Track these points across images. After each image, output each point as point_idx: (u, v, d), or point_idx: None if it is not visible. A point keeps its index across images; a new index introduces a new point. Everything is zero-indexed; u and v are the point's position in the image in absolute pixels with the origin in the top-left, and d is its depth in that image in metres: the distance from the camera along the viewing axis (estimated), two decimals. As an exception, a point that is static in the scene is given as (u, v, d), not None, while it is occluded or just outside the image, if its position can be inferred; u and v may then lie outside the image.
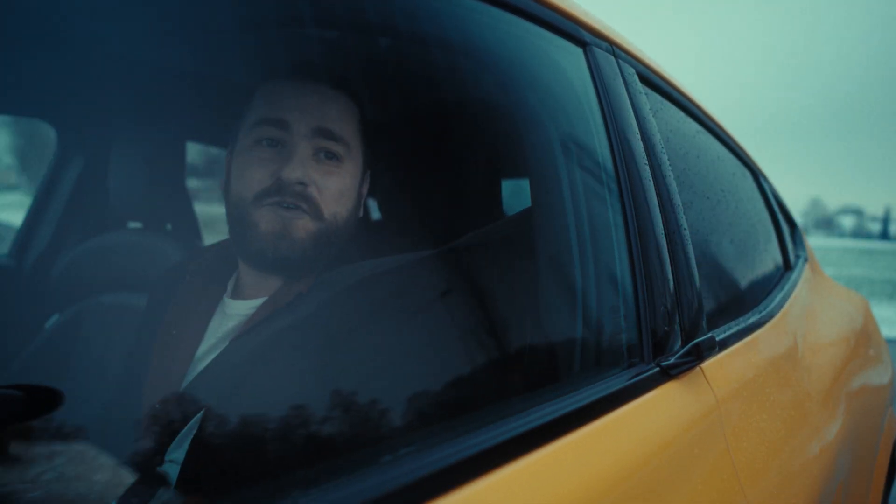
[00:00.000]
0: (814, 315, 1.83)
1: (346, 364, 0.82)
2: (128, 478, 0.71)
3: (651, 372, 0.91)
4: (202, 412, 0.81)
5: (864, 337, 2.09)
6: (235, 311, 0.94)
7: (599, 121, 1.00)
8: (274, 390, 0.81)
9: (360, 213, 0.99)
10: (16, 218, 1.74)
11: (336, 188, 0.93)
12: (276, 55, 1.00)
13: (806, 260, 2.20)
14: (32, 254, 1.66)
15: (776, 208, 2.17)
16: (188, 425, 0.81)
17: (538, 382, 0.88)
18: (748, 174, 1.96)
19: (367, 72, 1.06)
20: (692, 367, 0.98)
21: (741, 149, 1.89)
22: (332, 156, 0.93)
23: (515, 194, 1.22)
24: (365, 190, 0.99)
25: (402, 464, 0.58)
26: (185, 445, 0.78)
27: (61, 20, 0.83)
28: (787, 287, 1.79)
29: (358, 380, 0.80)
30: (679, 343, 0.99)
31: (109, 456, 0.76)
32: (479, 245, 1.00)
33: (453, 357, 0.87)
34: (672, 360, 0.94)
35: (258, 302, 0.92)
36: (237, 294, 0.96)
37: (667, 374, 0.92)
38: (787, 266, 2.02)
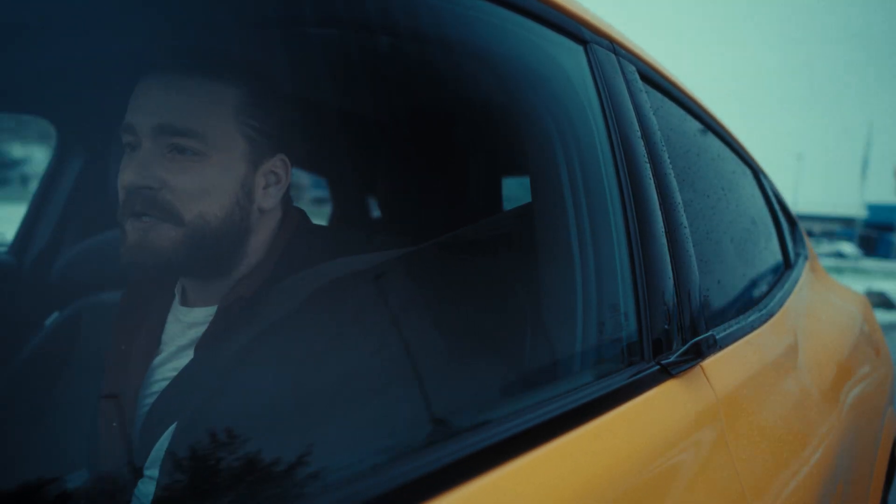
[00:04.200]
0: (814, 313, 1.83)
1: (327, 363, 0.81)
2: (107, 489, 0.70)
3: (651, 370, 0.91)
4: (175, 425, 0.78)
5: (864, 335, 2.09)
6: (193, 320, 0.89)
7: (600, 119, 1.00)
8: (254, 397, 0.79)
9: (268, 204, 0.88)
10: (16, 215, 1.74)
11: (195, 185, 0.82)
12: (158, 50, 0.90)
13: (806, 258, 2.20)
14: (32, 251, 1.66)
15: (776, 206, 2.17)
16: (164, 438, 0.79)
17: (538, 380, 0.88)
18: (748, 172, 1.96)
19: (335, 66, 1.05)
20: (692, 366, 0.98)
21: (741, 147, 1.89)
22: (184, 151, 0.81)
23: (516, 193, 1.22)
24: (271, 179, 0.88)
25: (403, 463, 0.58)
26: (166, 458, 0.76)
27: (62, 17, 0.83)
28: (787, 285, 1.79)
29: (346, 380, 0.80)
30: (679, 341, 0.99)
31: (91, 465, 0.75)
32: (476, 242, 1.00)
33: (451, 355, 0.87)
34: (672, 359, 0.94)
35: (213, 309, 0.87)
36: (186, 301, 0.91)
37: (667, 373, 0.92)
38: (788, 264, 2.02)
